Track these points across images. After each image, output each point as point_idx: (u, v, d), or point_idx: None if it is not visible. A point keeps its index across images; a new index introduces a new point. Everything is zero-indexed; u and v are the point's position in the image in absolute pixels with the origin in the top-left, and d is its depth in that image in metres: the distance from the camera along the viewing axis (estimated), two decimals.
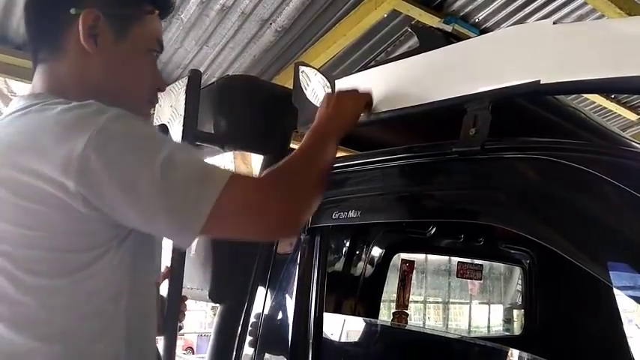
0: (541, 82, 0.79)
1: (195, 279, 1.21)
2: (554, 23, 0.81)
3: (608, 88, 0.76)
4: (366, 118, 1.01)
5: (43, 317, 0.69)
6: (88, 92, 0.75)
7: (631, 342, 1.95)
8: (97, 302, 0.72)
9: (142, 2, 0.84)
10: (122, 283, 0.75)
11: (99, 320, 0.72)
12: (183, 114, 1.10)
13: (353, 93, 1.00)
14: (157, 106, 1.22)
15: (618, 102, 4.54)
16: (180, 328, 1.08)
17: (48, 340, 0.69)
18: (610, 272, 0.68)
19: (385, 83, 1.04)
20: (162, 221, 0.70)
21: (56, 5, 0.80)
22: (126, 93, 0.83)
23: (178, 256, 1.03)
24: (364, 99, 1.00)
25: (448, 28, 0.95)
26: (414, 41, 1.04)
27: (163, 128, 1.18)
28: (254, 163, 2.59)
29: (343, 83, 1.11)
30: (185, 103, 1.10)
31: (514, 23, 3.33)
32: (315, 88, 1.17)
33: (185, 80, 1.11)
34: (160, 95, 1.20)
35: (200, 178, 0.71)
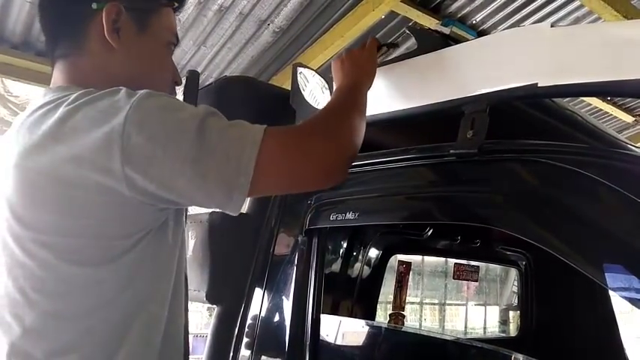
0: (538, 85, 0.79)
1: (192, 280, 1.21)
2: (551, 26, 0.81)
3: (604, 91, 0.77)
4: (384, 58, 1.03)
5: (86, 308, 0.69)
6: (113, 84, 0.75)
7: (626, 343, 1.96)
8: (137, 288, 0.72)
9: None
10: (161, 269, 0.75)
11: (136, 307, 0.72)
12: None
13: (360, 46, 1.02)
14: None
15: (614, 104, 4.57)
16: None
17: (89, 333, 0.69)
18: (605, 274, 0.68)
19: (383, 85, 1.04)
20: (212, 185, 0.69)
21: (75, 1, 0.80)
22: (148, 85, 0.81)
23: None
24: (373, 44, 1.02)
25: (446, 30, 0.95)
26: (411, 42, 1.04)
27: None
28: None
29: None
30: None
31: (512, 25, 3.35)
32: (313, 89, 1.17)
33: (183, 80, 1.11)
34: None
35: (238, 136, 0.70)
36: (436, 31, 1.06)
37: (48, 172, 0.68)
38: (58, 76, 0.82)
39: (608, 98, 4.40)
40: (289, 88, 1.25)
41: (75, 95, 0.72)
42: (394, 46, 1.04)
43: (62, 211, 0.68)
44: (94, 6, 0.78)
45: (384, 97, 1.03)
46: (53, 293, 0.69)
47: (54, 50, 0.82)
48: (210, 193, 0.70)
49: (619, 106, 4.63)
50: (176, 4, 0.88)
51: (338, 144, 0.78)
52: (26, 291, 0.69)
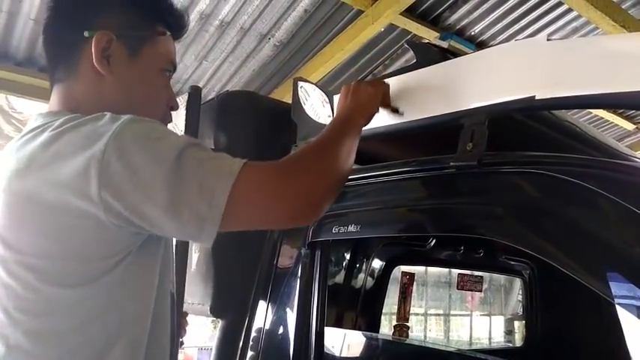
0: (536, 98, 0.80)
1: (196, 294, 1.22)
2: (548, 39, 0.82)
3: (601, 103, 0.78)
4: (388, 111, 1.01)
5: (69, 327, 0.71)
6: (105, 110, 0.76)
7: (633, 353, 1.94)
8: (119, 308, 0.73)
9: (155, 24, 0.86)
10: (142, 289, 0.76)
11: (119, 326, 0.73)
12: (183, 129, 1.12)
13: (370, 82, 1.01)
14: None
15: (615, 112, 4.58)
16: (182, 343, 1.08)
17: (73, 351, 0.70)
18: (607, 285, 0.69)
19: None
20: (185, 216, 0.69)
21: (71, 28, 0.82)
22: (139, 112, 0.83)
23: (180, 271, 1.04)
24: (381, 88, 1.00)
25: (444, 44, 0.96)
26: (411, 55, 1.05)
27: None
28: None
29: None
30: (186, 119, 1.11)
31: (510, 36, 3.37)
32: (313, 103, 1.18)
33: (186, 96, 1.13)
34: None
35: (215, 169, 0.71)
36: (434, 44, 1.08)
37: (31, 196, 0.70)
38: (53, 100, 0.84)
39: None
40: (290, 102, 1.26)
41: (61, 120, 0.74)
42: (395, 111, 1.03)
43: (44, 234, 0.70)
44: (86, 34, 0.80)
45: (386, 111, 1.04)
46: (36, 313, 0.70)
47: (53, 74, 0.85)
48: (182, 225, 0.70)
49: (620, 114, 4.64)
50: (169, 33, 0.88)
51: (314, 188, 0.77)
52: (10, 311, 0.70)
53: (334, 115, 0.95)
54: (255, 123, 1.30)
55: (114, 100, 0.81)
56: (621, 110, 4.59)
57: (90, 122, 0.72)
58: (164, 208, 0.68)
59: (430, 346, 1.64)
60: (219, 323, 1.26)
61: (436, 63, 0.98)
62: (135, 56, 0.83)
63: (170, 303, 0.85)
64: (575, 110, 4.13)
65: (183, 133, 1.10)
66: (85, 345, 0.71)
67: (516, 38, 3.33)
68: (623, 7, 3.07)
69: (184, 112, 1.12)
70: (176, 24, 0.90)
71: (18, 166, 0.72)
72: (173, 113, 1.16)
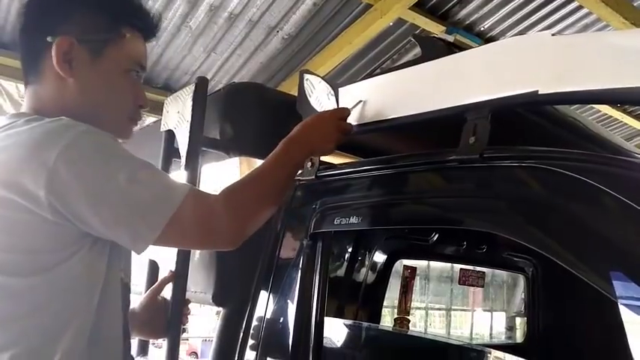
0: (539, 93, 0.80)
1: (198, 282, 1.23)
2: (552, 35, 0.82)
3: (604, 98, 0.78)
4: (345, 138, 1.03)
5: (18, 313, 0.74)
6: (67, 113, 0.81)
7: (634, 352, 1.94)
8: (71, 298, 0.77)
9: (118, 26, 0.88)
10: (95, 280, 0.80)
11: (69, 317, 0.76)
12: (189, 120, 1.12)
13: (328, 121, 1.02)
14: (164, 112, 1.25)
15: (624, 111, 4.54)
16: (184, 330, 1.10)
17: (23, 336, 0.73)
18: (608, 282, 0.68)
19: (388, 91, 1.05)
20: (122, 230, 0.77)
21: (36, 33, 0.86)
22: (103, 113, 0.88)
23: (183, 260, 1.05)
24: (337, 128, 1.01)
25: (450, 38, 0.96)
26: (419, 49, 1.06)
27: (170, 134, 1.20)
28: None
29: (346, 92, 1.13)
30: (192, 110, 1.12)
31: (520, 32, 3.35)
32: (319, 95, 1.19)
33: (192, 87, 1.13)
34: (167, 101, 1.23)
35: (160, 193, 0.78)
36: (440, 38, 1.08)
37: None
38: (24, 102, 0.88)
39: (618, 105, 4.37)
40: (297, 94, 1.27)
41: (20, 122, 0.78)
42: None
43: None
44: (49, 39, 0.83)
45: (390, 104, 1.04)
46: None
47: (26, 78, 0.89)
48: (118, 237, 0.78)
49: (628, 113, 4.60)
50: (135, 34, 0.90)
51: (242, 227, 0.86)
52: None
53: (284, 139, 0.97)
54: (262, 115, 1.30)
55: (76, 103, 0.85)
56: (630, 109, 4.55)
57: (45, 126, 0.75)
58: (105, 222, 0.75)
59: (430, 338, 1.65)
60: (221, 313, 1.28)
61: (441, 57, 0.98)
62: (97, 59, 0.86)
63: (122, 293, 0.88)
64: (585, 108, 4.10)
65: (189, 123, 1.11)
66: (35, 331, 0.74)
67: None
68: (634, 4, 3.04)
69: (190, 102, 1.13)
70: (143, 25, 0.92)
71: None
72: (179, 103, 1.17)
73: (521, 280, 2.38)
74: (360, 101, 1.07)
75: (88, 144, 0.75)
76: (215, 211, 0.82)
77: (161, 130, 1.23)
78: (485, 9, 3.16)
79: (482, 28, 3.33)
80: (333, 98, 1.16)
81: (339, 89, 1.14)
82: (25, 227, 0.73)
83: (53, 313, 0.75)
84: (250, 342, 1.16)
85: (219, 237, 0.85)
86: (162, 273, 1.15)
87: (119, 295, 0.87)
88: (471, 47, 1.04)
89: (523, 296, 2.42)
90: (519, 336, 2.56)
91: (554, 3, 3.13)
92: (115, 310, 0.86)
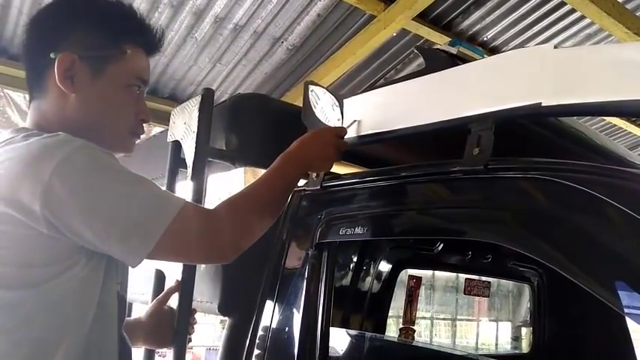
0: (542, 105, 0.81)
1: (204, 292, 1.24)
2: (555, 47, 0.83)
3: (607, 110, 0.79)
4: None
5: (11, 325, 0.74)
6: (69, 128, 0.82)
7: None
8: (63, 313, 0.77)
9: (120, 43, 0.89)
10: (90, 293, 0.80)
11: (63, 330, 0.77)
12: (196, 131, 1.14)
13: (325, 138, 1.03)
14: (170, 122, 1.26)
15: (628, 120, 4.53)
16: (190, 340, 1.10)
17: (16, 348, 0.74)
18: (613, 294, 0.68)
19: (393, 103, 1.06)
20: (115, 244, 0.77)
21: (39, 49, 0.88)
22: (104, 128, 0.90)
23: (189, 269, 1.06)
24: (334, 146, 1.02)
25: (453, 50, 0.97)
26: (422, 60, 1.07)
27: (177, 144, 1.22)
28: None
29: (351, 103, 1.14)
30: (198, 120, 1.13)
31: (522, 42, 3.36)
32: (324, 106, 1.20)
33: (199, 98, 1.15)
34: (174, 112, 1.25)
35: (153, 208, 0.79)
36: (444, 50, 1.09)
37: None
38: (28, 117, 0.90)
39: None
40: (301, 105, 1.28)
41: (19, 137, 0.79)
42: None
43: None
44: (52, 55, 0.85)
45: (395, 115, 1.05)
46: None
47: (30, 93, 0.91)
48: (112, 250, 0.79)
49: (633, 122, 4.59)
50: (137, 49, 0.91)
51: (237, 242, 0.87)
52: None
53: (282, 154, 0.98)
54: (267, 125, 1.32)
55: (78, 118, 0.87)
56: (634, 118, 4.54)
57: (42, 142, 0.76)
58: (98, 236, 0.76)
59: (435, 348, 1.64)
60: (227, 322, 1.28)
61: (445, 68, 0.99)
62: (99, 75, 0.87)
63: (118, 305, 0.88)
64: (588, 118, 4.10)
65: (195, 134, 1.13)
66: (28, 343, 0.74)
67: (529, 45, 3.33)
68: (637, 14, 3.05)
69: (196, 114, 1.15)
70: (145, 41, 0.93)
71: None
72: (186, 114, 1.19)
73: (527, 290, 2.37)
74: (355, 120, 1.09)
75: (82, 159, 0.76)
76: (209, 226, 0.83)
77: (168, 140, 1.25)
78: (488, 20, 3.19)
79: (485, 39, 3.35)
80: (338, 109, 1.17)
81: (344, 100, 1.16)
82: (21, 241, 0.73)
83: (46, 326, 0.75)
84: (256, 352, 1.17)
85: (213, 252, 0.86)
86: (169, 283, 1.16)
87: (115, 308, 0.87)
88: (475, 59, 1.05)
89: (529, 306, 2.41)
90: (525, 346, 2.54)
91: (557, 13, 3.15)
92: (111, 323, 0.86)
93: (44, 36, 0.88)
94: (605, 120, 4.46)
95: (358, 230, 1.02)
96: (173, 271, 1.11)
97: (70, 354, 0.77)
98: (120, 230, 0.76)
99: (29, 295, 0.74)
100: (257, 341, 1.18)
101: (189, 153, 1.14)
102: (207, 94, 1.15)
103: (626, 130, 4.69)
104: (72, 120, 0.86)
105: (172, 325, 1.05)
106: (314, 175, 1.19)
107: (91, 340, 0.80)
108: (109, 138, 0.90)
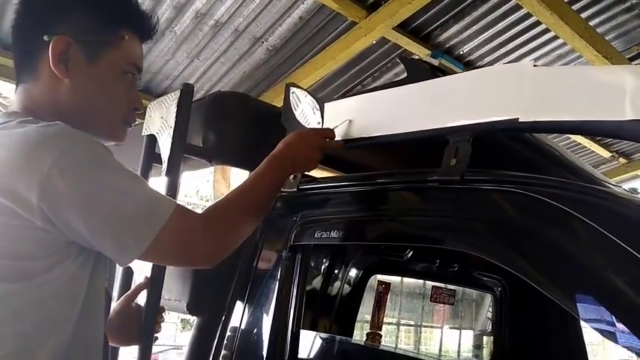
0: (519, 120, 0.84)
1: (173, 290, 1.22)
2: (534, 65, 0.86)
3: (580, 129, 0.81)
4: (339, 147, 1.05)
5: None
6: (60, 114, 0.80)
7: None
8: (52, 306, 0.75)
9: (117, 28, 0.87)
10: (78, 290, 0.79)
11: (50, 324, 0.75)
12: (173, 126, 1.12)
13: (311, 139, 1.03)
14: (147, 116, 1.24)
15: (593, 139, 4.71)
16: (156, 338, 1.09)
17: (2, 341, 0.72)
18: (576, 304, 0.71)
19: (374, 110, 1.08)
20: (109, 242, 0.76)
21: (32, 31, 0.84)
22: (97, 115, 0.87)
23: (159, 266, 1.04)
24: (319, 147, 1.03)
25: (435, 62, 1.00)
26: (399, 69, 1.09)
27: (152, 138, 1.19)
28: (233, 177, 2.61)
29: (332, 107, 1.15)
30: (176, 116, 1.12)
31: (497, 57, 3.45)
32: (304, 109, 1.20)
33: (177, 93, 1.13)
34: (151, 106, 1.23)
35: (148, 208, 0.78)
36: (426, 61, 1.11)
37: None
38: (15, 100, 0.86)
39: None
40: (279, 106, 1.28)
41: (14, 123, 0.77)
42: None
43: None
44: (46, 38, 0.82)
45: (375, 122, 1.06)
46: None
47: (18, 76, 0.87)
48: (104, 247, 0.78)
49: (597, 141, 4.77)
50: (137, 35, 0.90)
51: (223, 246, 0.87)
52: None
53: (268, 156, 0.98)
54: (246, 125, 1.31)
55: (70, 103, 0.84)
56: (599, 138, 4.72)
57: (39, 130, 0.74)
58: (93, 232, 0.74)
59: (401, 353, 1.66)
60: (195, 321, 1.27)
61: (426, 79, 1.01)
62: (94, 60, 0.85)
63: (105, 302, 0.88)
64: (555, 135, 4.24)
65: (172, 129, 1.11)
66: (14, 337, 0.72)
67: (503, 61, 3.42)
68: (606, 38, 3.18)
69: (174, 109, 1.13)
70: (142, 27, 0.92)
71: None
72: (163, 108, 1.17)
73: (489, 299, 2.43)
74: (346, 120, 1.09)
75: (83, 153, 0.74)
76: (197, 230, 0.82)
77: (142, 134, 1.22)
78: (465, 34, 3.26)
79: (461, 52, 3.42)
80: (318, 112, 1.17)
81: (325, 104, 1.16)
82: (13, 232, 0.72)
83: (34, 319, 0.74)
84: (224, 352, 1.15)
85: (200, 256, 0.85)
86: (138, 279, 1.14)
87: (102, 304, 0.86)
88: (455, 72, 1.07)
89: (490, 315, 2.47)
90: (486, 354, 2.60)
91: (531, 32, 3.24)
92: (97, 320, 0.84)
93: (37, 18, 0.85)
94: (570, 138, 4.61)
95: (333, 234, 1.02)
96: (142, 268, 1.09)
97: (57, 348, 0.75)
98: (115, 229, 0.75)
99: (18, 289, 0.73)
100: (225, 342, 1.17)
101: (165, 148, 1.12)
102: (187, 90, 1.13)
103: (589, 148, 4.87)
104: (64, 106, 0.83)
105: (139, 323, 1.03)
106: (291, 177, 1.19)
107: (77, 336, 0.78)
108: (101, 125, 0.87)
